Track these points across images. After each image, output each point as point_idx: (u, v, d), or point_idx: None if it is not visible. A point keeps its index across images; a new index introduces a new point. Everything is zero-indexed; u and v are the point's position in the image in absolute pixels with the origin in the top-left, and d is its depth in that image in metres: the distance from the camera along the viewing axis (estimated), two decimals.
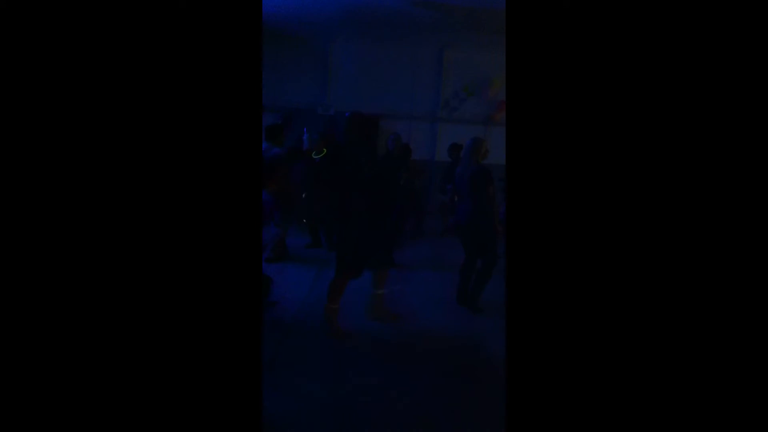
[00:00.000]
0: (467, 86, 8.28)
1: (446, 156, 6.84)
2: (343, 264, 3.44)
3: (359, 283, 3.61)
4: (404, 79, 8.27)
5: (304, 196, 5.35)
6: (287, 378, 2.85)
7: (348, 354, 3.23)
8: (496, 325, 3.85)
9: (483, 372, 3.16)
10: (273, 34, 7.42)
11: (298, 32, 7.61)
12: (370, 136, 3.64)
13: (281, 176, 4.39)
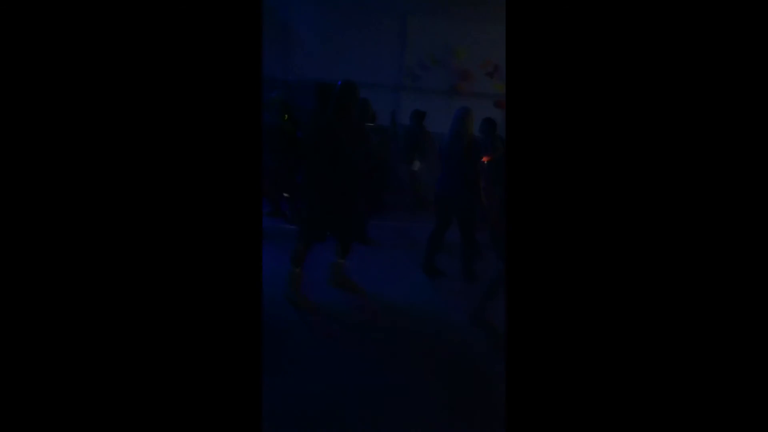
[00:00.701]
0: (432, 55, 8.16)
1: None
2: (306, 227, 3.43)
3: (326, 256, 3.57)
4: (366, 47, 8.09)
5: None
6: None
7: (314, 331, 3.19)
8: (461, 292, 3.89)
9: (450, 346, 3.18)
10: None
11: None
12: (357, 108, 3.59)
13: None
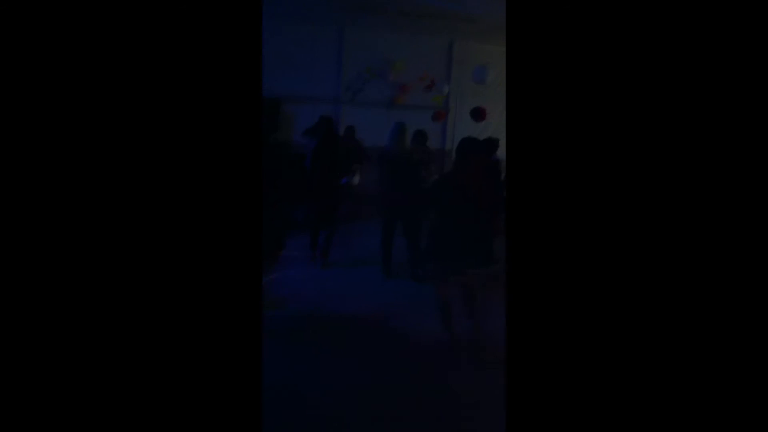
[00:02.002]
0: (369, 68, 8.21)
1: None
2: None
3: None
4: (303, 60, 8.05)
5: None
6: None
7: None
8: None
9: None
10: None
11: None
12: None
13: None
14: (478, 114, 7.09)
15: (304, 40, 8.00)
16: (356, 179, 6.66)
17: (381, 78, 8.31)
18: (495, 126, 7.95)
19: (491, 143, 5.21)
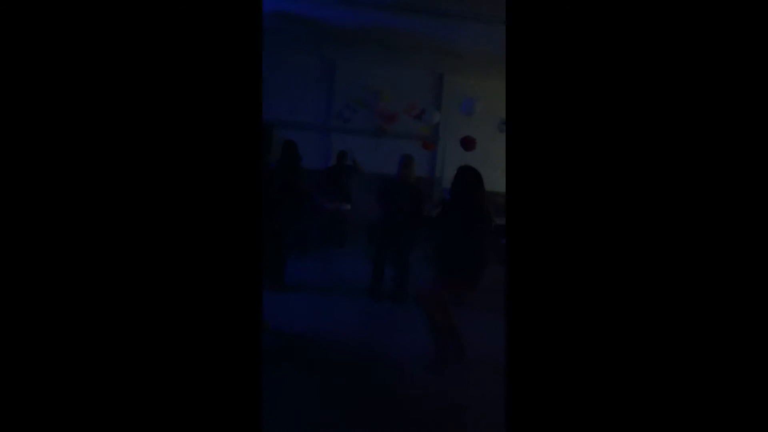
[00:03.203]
0: (359, 99, 8.51)
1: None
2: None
3: None
4: (295, 90, 8.33)
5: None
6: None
7: None
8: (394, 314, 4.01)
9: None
10: None
11: None
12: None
13: None
14: (467, 143, 7.28)
15: (298, 71, 8.30)
16: (348, 206, 6.80)
17: (370, 107, 8.58)
18: (482, 156, 8.17)
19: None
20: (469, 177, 3.33)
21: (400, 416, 2.74)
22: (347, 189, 6.73)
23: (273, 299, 4.30)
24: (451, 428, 2.69)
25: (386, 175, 5.54)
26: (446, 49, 6.94)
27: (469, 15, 5.25)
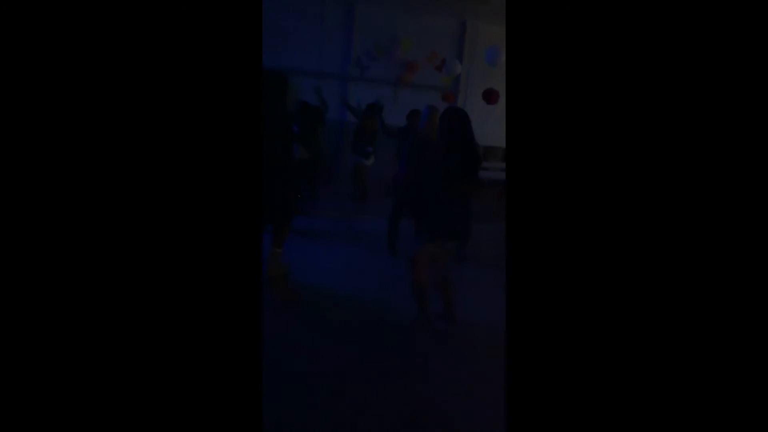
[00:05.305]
0: (377, 44, 8.10)
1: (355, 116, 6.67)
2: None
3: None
4: (313, 36, 7.95)
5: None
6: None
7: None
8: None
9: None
10: None
11: None
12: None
13: None
14: (490, 96, 6.95)
15: (314, 15, 7.89)
16: (371, 160, 6.60)
17: (388, 55, 8.20)
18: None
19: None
20: (451, 117, 3.13)
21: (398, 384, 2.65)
22: (375, 143, 6.50)
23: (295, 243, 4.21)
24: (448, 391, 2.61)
25: (404, 128, 5.34)
26: None
27: None
